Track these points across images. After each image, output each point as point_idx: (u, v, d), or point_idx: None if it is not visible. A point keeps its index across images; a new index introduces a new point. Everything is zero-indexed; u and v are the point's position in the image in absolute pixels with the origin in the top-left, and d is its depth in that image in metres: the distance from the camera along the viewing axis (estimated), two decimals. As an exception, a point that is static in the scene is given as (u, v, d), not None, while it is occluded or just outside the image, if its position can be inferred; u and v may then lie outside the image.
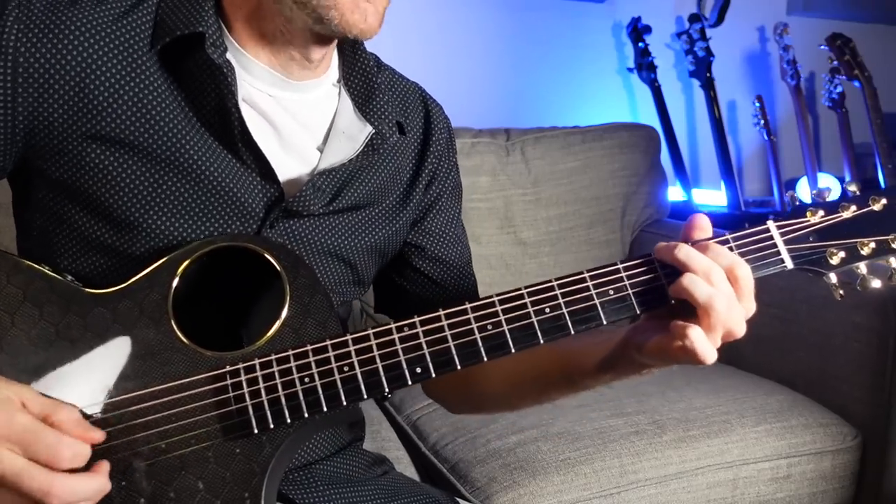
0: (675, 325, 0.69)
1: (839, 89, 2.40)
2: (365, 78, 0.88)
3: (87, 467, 0.65)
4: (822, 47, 2.38)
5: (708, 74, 2.34)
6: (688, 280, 0.69)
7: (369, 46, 0.91)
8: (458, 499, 1.00)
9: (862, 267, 0.77)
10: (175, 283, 0.73)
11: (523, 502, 1.25)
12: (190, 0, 0.78)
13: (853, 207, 0.77)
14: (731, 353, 1.63)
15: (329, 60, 0.86)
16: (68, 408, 0.66)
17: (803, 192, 2.41)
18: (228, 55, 0.78)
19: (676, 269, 0.71)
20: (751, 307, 0.72)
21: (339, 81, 0.88)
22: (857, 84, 2.32)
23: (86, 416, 0.69)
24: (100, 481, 0.65)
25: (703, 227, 0.74)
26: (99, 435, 0.67)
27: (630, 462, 1.33)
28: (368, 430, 1.09)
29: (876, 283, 0.76)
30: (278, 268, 0.74)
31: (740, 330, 0.70)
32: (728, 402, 1.49)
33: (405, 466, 1.37)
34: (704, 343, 0.68)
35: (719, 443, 1.39)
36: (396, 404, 1.59)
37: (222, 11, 0.80)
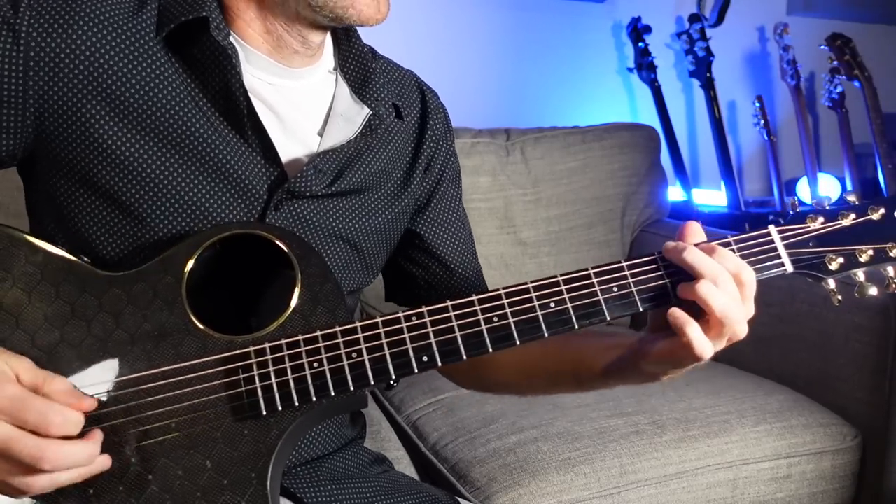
0: (675, 317, 0.70)
1: (839, 89, 2.41)
2: (360, 63, 0.90)
3: (81, 435, 0.66)
4: (822, 47, 2.39)
5: (708, 74, 2.34)
6: (705, 289, 0.70)
7: (367, 43, 0.92)
8: (458, 498, 1.00)
9: (860, 274, 0.79)
10: (189, 267, 0.74)
11: (523, 502, 1.25)
12: None
13: (852, 216, 0.78)
14: (731, 353, 1.61)
15: (324, 46, 0.88)
16: (59, 378, 0.67)
17: (803, 192, 2.41)
18: (231, 39, 0.80)
19: (681, 269, 0.73)
20: (751, 309, 0.74)
21: (335, 69, 0.90)
22: (857, 84, 2.32)
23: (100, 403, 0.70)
24: (92, 447, 0.66)
25: (696, 233, 0.76)
26: (90, 403, 0.67)
27: (630, 462, 1.33)
28: (368, 430, 1.09)
29: (873, 291, 0.78)
30: (290, 255, 0.76)
31: (743, 332, 0.73)
32: (728, 402, 1.49)
33: (405, 466, 1.37)
34: (703, 340, 0.71)
35: (719, 443, 1.39)
36: (396, 404, 1.59)
37: (222, 4, 0.82)
